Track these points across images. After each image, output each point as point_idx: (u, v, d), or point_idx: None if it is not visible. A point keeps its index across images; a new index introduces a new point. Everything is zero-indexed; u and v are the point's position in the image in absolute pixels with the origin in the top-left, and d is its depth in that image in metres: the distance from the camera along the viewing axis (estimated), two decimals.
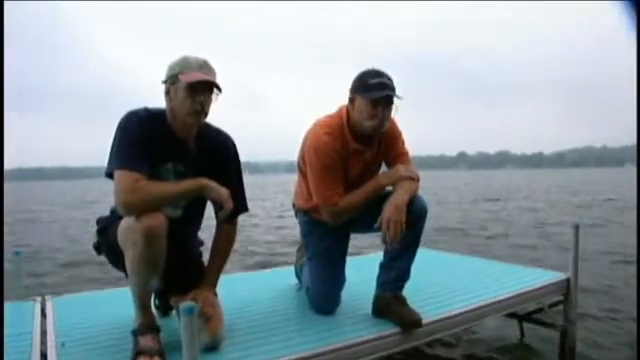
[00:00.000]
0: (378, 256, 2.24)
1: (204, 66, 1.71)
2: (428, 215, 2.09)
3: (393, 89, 1.99)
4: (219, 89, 1.72)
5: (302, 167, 2.20)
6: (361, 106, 2.00)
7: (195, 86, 1.67)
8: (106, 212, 1.90)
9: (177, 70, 1.70)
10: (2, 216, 1.69)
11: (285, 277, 2.80)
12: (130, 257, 1.61)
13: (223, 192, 1.70)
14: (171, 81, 1.72)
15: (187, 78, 1.67)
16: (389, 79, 2.00)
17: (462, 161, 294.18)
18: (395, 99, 2.00)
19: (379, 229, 1.96)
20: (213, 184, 1.70)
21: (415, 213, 2.03)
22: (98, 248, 1.89)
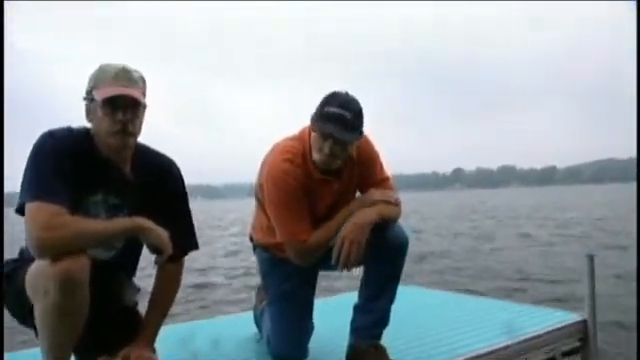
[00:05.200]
0: (352, 297, 2.02)
1: (120, 75, 1.49)
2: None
3: (352, 128, 1.73)
4: (139, 103, 1.50)
5: (260, 197, 1.98)
6: (314, 135, 1.80)
7: (112, 102, 1.47)
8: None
9: (92, 84, 1.52)
10: (2, 242, 1.61)
11: (243, 325, 2.52)
12: (41, 310, 1.37)
13: (163, 235, 1.51)
14: (88, 98, 1.53)
15: (101, 94, 1.47)
16: (355, 113, 1.74)
17: (458, 179, 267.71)
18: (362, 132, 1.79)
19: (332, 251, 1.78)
20: (152, 225, 1.50)
21: (393, 244, 1.84)
22: None
